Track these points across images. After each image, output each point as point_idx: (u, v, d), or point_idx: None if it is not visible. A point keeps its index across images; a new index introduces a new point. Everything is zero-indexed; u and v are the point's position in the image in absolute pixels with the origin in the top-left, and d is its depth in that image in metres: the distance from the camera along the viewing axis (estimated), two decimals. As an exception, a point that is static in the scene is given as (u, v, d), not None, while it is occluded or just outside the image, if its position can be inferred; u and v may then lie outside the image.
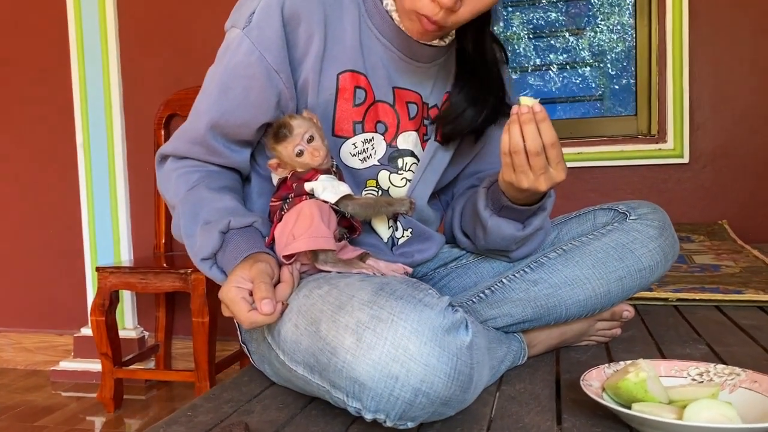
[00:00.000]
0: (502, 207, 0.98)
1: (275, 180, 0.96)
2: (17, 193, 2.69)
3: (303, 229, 0.83)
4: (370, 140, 0.99)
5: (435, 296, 0.73)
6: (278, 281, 0.84)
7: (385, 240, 1.04)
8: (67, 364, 2.58)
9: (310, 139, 0.89)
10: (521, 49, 2.51)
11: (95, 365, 2.40)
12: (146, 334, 2.59)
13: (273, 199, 0.93)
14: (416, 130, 1.03)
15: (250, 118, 0.94)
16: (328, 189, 0.89)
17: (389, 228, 1.04)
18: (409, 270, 0.94)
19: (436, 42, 0.98)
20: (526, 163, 0.87)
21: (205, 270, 0.90)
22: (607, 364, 0.85)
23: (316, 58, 0.93)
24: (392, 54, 0.98)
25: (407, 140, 1.02)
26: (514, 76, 2.46)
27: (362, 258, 0.92)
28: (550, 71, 2.48)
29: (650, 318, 1.32)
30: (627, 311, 1.09)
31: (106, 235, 2.59)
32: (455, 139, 1.05)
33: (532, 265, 1.01)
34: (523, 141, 0.86)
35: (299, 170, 0.91)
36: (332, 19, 0.93)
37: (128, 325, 2.57)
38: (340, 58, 0.95)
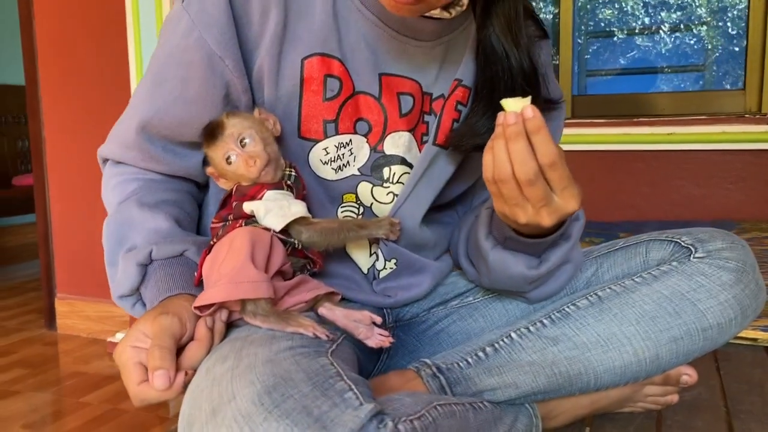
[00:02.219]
0: (506, 237, 0.74)
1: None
2: (78, 160, 2.66)
3: (227, 268, 0.63)
4: (347, 144, 0.77)
5: (351, 405, 0.50)
6: (192, 338, 0.64)
7: (365, 271, 0.82)
8: (122, 336, 2.58)
9: (244, 143, 0.69)
10: (628, 7, 2.15)
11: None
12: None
13: (214, 220, 0.73)
14: (410, 130, 0.80)
15: (190, 117, 0.74)
16: (273, 211, 0.68)
17: (371, 255, 0.82)
18: (378, 320, 0.70)
19: (437, 13, 0.74)
20: (518, 193, 0.62)
21: (128, 309, 0.73)
22: None
23: (273, 39, 0.71)
24: (380, 30, 0.75)
25: (397, 143, 0.79)
26: (620, 36, 2.13)
27: (319, 302, 0.71)
28: (661, 32, 2.12)
29: (729, 367, 1.02)
30: (687, 375, 0.81)
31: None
32: (465, 148, 0.79)
33: (553, 316, 0.75)
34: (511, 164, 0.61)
35: (243, 183, 0.72)
36: None
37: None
38: (306, 38, 0.73)
